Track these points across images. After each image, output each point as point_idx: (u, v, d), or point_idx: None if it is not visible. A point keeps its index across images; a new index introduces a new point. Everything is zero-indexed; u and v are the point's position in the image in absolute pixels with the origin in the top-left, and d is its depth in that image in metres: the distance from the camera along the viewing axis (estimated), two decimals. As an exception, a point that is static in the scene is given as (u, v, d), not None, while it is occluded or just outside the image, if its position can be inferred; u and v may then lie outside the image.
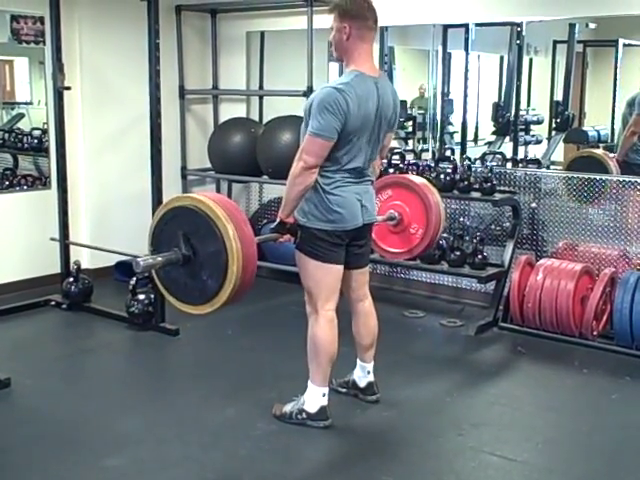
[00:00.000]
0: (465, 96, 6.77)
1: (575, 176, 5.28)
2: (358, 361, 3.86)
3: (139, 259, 3.00)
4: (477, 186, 5.11)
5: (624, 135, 6.01)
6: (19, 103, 6.14)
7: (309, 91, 5.64)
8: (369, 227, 3.65)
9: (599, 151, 6.35)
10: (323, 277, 3.49)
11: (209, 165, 6.55)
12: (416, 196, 4.10)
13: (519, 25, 6.54)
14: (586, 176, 5.25)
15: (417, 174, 5.29)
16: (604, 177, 5.24)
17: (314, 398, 3.53)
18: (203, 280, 3.01)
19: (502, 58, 7.80)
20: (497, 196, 5.11)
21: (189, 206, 3.02)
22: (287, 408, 3.61)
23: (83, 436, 3.51)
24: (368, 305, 3.79)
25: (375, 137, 3.46)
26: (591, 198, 5.09)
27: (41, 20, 5.56)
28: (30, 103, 6.10)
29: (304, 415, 3.55)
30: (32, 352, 4.61)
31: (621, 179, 5.10)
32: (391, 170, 5.39)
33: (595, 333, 4.72)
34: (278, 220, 3.45)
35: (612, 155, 6.10)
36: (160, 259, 3.04)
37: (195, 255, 3.01)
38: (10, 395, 3.94)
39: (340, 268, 3.53)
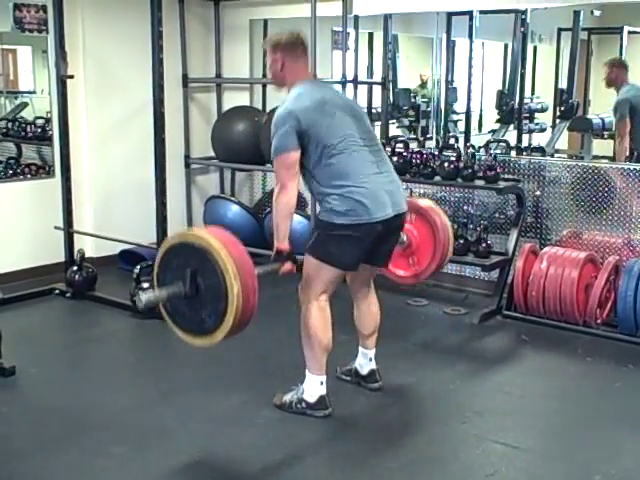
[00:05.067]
0: (469, 84, 6.76)
1: (579, 164, 5.27)
2: (360, 348, 3.86)
3: (141, 293, 3.04)
4: (481, 174, 5.09)
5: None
6: (22, 92, 6.14)
7: (313, 79, 5.60)
8: (400, 221, 3.55)
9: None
10: (327, 274, 3.45)
11: (212, 154, 6.55)
12: (423, 219, 4.05)
13: (523, 12, 6.52)
14: (590, 164, 5.24)
15: (421, 162, 5.29)
16: (607, 165, 5.23)
17: (312, 387, 3.52)
18: (203, 315, 3.04)
19: (506, 46, 7.78)
20: (501, 184, 5.10)
21: (198, 245, 3.01)
22: (287, 397, 3.60)
23: (87, 424, 3.53)
24: (371, 293, 3.78)
25: (357, 116, 3.53)
26: (595, 186, 5.07)
27: (44, 8, 5.55)
28: (33, 92, 6.10)
29: (303, 405, 3.54)
30: (37, 340, 4.63)
31: (625, 167, 5.08)
32: (395, 158, 5.38)
33: (599, 321, 4.71)
34: (275, 250, 3.42)
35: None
36: (163, 293, 3.06)
37: (197, 291, 3.02)
38: (15, 383, 3.96)
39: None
